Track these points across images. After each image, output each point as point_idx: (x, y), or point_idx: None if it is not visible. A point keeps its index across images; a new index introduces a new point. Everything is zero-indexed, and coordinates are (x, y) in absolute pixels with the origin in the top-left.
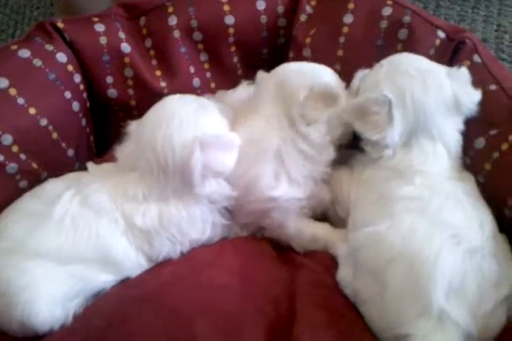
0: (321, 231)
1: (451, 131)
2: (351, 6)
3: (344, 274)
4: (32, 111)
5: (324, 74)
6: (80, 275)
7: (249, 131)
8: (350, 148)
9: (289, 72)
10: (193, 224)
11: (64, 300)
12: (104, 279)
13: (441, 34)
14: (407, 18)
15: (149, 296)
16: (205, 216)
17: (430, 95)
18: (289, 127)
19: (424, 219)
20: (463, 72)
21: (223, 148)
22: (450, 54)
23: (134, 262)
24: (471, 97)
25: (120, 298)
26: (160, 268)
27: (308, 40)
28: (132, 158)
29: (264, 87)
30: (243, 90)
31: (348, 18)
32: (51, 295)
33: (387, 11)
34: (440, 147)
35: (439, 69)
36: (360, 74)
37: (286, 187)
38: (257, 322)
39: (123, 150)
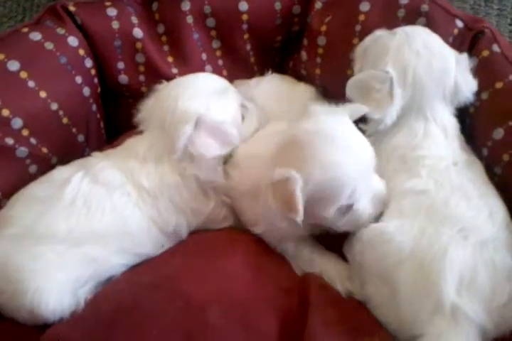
0: (327, 267)
1: (445, 114)
2: None
3: (356, 285)
4: (42, 94)
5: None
6: (93, 257)
7: None
8: None
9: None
10: (189, 190)
11: (75, 287)
12: (117, 261)
13: (460, 23)
14: (424, 7)
15: (161, 283)
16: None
17: (432, 76)
18: None
19: (431, 216)
20: (464, 58)
21: (216, 135)
22: (469, 43)
23: (146, 233)
24: (470, 86)
25: (131, 285)
26: (172, 255)
27: (323, 28)
28: (147, 112)
29: None
30: (268, 83)
31: (365, 6)
32: (62, 282)
33: (404, 0)
34: (433, 127)
35: (450, 54)
36: (376, 35)
37: None
38: (269, 312)
39: (146, 104)
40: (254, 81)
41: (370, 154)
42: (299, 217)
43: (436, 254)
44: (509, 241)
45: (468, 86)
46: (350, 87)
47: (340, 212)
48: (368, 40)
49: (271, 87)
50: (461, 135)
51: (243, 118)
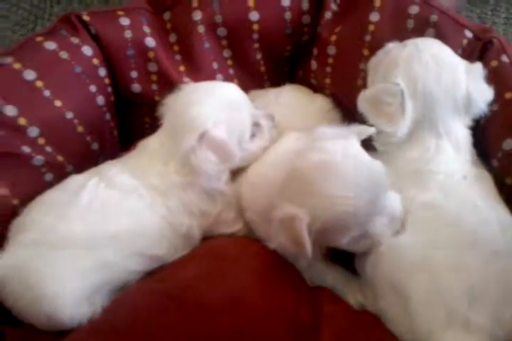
0: (338, 280)
1: (458, 127)
2: (377, 3)
3: (368, 298)
4: (58, 103)
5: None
6: (108, 261)
7: None
8: None
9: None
10: (194, 192)
11: (91, 293)
12: (132, 266)
13: (469, 34)
14: (434, 17)
15: (174, 291)
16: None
17: (442, 88)
18: None
19: (443, 229)
20: (478, 68)
21: (217, 152)
22: (478, 53)
23: (160, 235)
24: (484, 95)
25: (146, 293)
26: (185, 263)
27: (333, 38)
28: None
29: None
30: (286, 97)
31: (375, 17)
32: (79, 287)
33: (414, 10)
34: (445, 142)
35: (459, 64)
36: (388, 48)
37: None
38: (281, 322)
39: (168, 99)
40: (272, 94)
41: (382, 177)
42: (308, 254)
43: (448, 266)
44: None
45: (483, 95)
46: (362, 101)
47: (354, 239)
48: (381, 53)
49: (289, 101)
50: (473, 148)
51: (254, 136)
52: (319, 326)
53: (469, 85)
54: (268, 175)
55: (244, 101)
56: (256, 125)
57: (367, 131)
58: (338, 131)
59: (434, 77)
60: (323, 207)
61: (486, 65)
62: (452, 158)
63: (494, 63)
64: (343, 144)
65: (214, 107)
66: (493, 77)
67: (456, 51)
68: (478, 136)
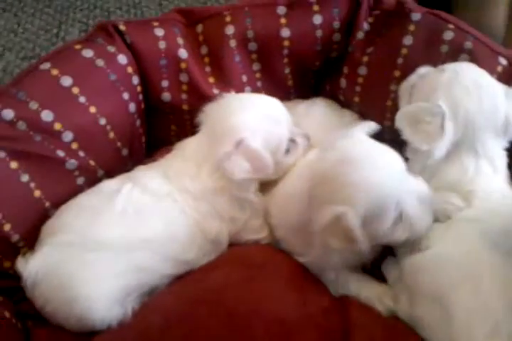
0: (364, 288)
1: (495, 149)
2: (412, 27)
3: (402, 303)
4: (92, 110)
5: None
6: (140, 264)
7: None
8: None
9: None
10: (224, 198)
11: (122, 295)
12: (162, 270)
13: (503, 61)
14: (468, 44)
15: (205, 296)
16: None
17: (483, 113)
18: None
19: (484, 242)
20: None
21: (251, 161)
22: None
23: (191, 239)
24: None
25: (177, 297)
26: (214, 269)
27: (365, 59)
28: (206, 115)
29: None
30: (316, 112)
31: (408, 40)
32: (111, 290)
33: (448, 36)
34: (484, 163)
35: (499, 89)
36: (421, 72)
37: None
38: (312, 331)
39: (209, 106)
40: (302, 108)
41: (398, 160)
42: (365, 246)
43: (491, 278)
44: None
45: None
46: (401, 117)
47: (394, 223)
48: (414, 77)
49: (319, 115)
50: (507, 170)
51: (288, 151)
52: (349, 333)
53: (508, 109)
54: (295, 191)
55: (284, 117)
56: (292, 141)
57: (371, 125)
58: (345, 132)
59: (475, 101)
60: (357, 198)
61: None
62: (491, 178)
63: None
64: (353, 139)
65: (254, 118)
66: None
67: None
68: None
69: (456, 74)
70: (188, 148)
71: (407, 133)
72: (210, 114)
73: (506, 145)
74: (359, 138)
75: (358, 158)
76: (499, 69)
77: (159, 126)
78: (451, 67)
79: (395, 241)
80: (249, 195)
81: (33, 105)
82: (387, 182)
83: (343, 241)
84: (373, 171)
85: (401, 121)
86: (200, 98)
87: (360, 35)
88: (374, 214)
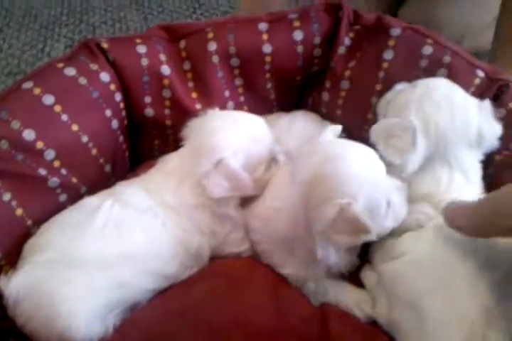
0: (342, 295)
1: (469, 162)
2: (392, 42)
3: (380, 308)
4: (75, 127)
5: None
6: (122, 280)
7: None
8: None
9: None
10: (205, 212)
11: (104, 312)
12: (144, 285)
13: (481, 73)
14: (446, 58)
15: (186, 310)
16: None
17: (455, 128)
18: None
19: (459, 248)
20: (487, 105)
21: (231, 180)
22: (492, 94)
23: (173, 253)
24: (494, 131)
25: (158, 312)
26: (195, 283)
27: (347, 73)
28: (190, 130)
29: None
30: (298, 127)
31: (389, 55)
32: (92, 307)
33: (427, 50)
34: (457, 175)
35: (471, 103)
36: (397, 88)
37: None
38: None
39: (193, 122)
40: (284, 121)
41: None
42: (373, 232)
43: (463, 282)
44: None
45: (493, 131)
46: (374, 131)
47: (386, 212)
48: (390, 94)
49: (301, 129)
50: (482, 182)
51: (269, 169)
52: None
53: (481, 122)
54: (281, 202)
55: (267, 136)
56: (273, 159)
57: (336, 129)
58: (314, 137)
59: (446, 116)
60: (353, 189)
61: (504, 106)
62: (464, 188)
63: (511, 105)
64: (324, 142)
65: (236, 137)
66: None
67: (468, 90)
68: (492, 173)
69: (428, 90)
70: (171, 162)
71: (380, 148)
72: (193, 130)
73: (481, 157)
74: (331, 139)
75: (341, 155)
76: (477, 81)
77: (142, 141)
78: (423, 83)
79: (384, 232)
80: (230, 210)
81: (15, 124)
82: (377, 173)
83: (352, 234)
84: (361, 164)
85: (375, 135)
86: (184, 113)
87: (341, 49)
88: (371, 205)
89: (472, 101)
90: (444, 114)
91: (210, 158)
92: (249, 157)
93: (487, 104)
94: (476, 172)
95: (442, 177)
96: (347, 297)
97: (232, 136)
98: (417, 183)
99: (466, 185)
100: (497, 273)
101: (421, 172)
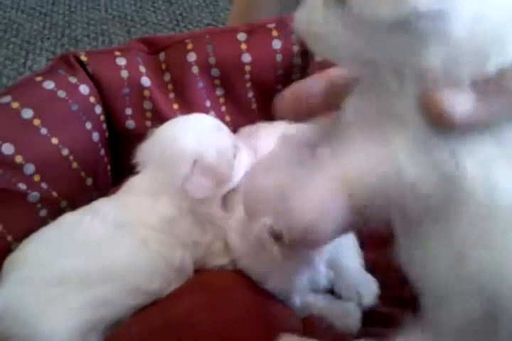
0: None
1: None
2: None
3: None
4: (54, 141)
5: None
6: (103, 298)
7: None
8: None
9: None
10: (186, 223)
11: (85, 329)
12: (126, 302)
13: None
14: None
15: (170, 325)
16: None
17: None
18: None
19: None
20: None
21: (211, 177)
22: None
23: (155, 269)
24: None
25: (141, 327)
26: (179, 297)
27: None
28: (145, 154)
29: None
30: (281, 132)
31: None
32: (72, 324)
33: None
34: None
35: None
36: None
37: None
38: None
39: (144, 146)
40: (266, 131)
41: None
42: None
43: None
44: None
45: None
46: None
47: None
48: None
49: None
50: None
51: (235, 157)
52: None
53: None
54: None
55: (220, 125)
56: (235, 147)
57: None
58: None
59: None
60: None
61: None
62: None
63: None
64: None
65: (197, 135)
66: None
67: None
68: None
69: None
70: (140, 184)
71: None
72: (151, 149)
73: None
74: None
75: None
76: None
77: (125, 153)
78: None
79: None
80: (214, 210)
81: None
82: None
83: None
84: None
85: None
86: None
87: (318, 57)
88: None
89: None
90: None
91: (184, 163)
92: (219, 147)
93: None
94: None
95: None
96: (331, 310)
97: (193, 136)
98: None
99: None
100: None
101: None
